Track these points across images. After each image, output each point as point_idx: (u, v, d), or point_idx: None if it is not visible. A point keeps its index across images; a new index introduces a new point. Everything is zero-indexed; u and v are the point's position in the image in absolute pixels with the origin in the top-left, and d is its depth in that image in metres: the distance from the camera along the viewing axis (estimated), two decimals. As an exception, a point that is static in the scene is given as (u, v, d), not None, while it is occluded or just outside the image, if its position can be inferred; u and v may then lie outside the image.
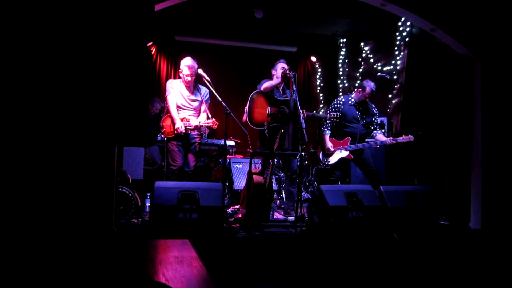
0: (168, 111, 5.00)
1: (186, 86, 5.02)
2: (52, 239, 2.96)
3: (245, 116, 4.98)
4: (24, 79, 2.90)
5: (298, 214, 4.33)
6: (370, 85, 5.23)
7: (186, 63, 4.94)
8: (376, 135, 5.35)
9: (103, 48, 3.00)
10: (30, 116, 2.94)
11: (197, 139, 5.09)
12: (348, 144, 5.22)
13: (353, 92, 5.46)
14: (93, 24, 3.00)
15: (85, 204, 3.31)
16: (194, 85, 5.07)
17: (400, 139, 5.07)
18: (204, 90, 5.09)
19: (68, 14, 2.96)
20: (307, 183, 6.97)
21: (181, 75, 5.00)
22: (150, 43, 7.66)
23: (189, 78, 4.94)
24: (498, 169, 4.59)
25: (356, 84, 8.07)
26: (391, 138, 5.15)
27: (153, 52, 8.02)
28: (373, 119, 5.39)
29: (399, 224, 4.20)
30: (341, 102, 5.34)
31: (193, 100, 5.03)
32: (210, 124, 4.84)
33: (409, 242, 3.85)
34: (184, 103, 4.99)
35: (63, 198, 3.20)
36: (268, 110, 4.89)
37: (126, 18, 3.01)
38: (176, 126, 4.85)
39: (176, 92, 4.98)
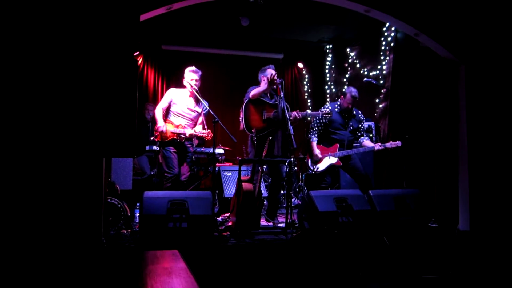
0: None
1: (189, 95, 5.02)
2: (40, 250, 2.92)
3: (242, 125, 4.92)
4: (9, 88, 2.88)
5: (288, 221, 4.33)
6: (351, 91, 5.26)
7: (192, 70, 4.99)
8: (363, 141, 5.37)
9: (89, 59, 2.99)
10: (15, 127, 2.91)
11: (191, 149, 5.09)
12: (337, 150, 5.25)
13: (339, 100, 5.49)
14: (78, 35, 2.99)
15: (73, 215, 3.28)
16: (196, 96, 5.04)
17: (388, 145, 5.09)
18: (205, 103, 5.06)
19: (54, 25, 2.95)
20: (297, 189, 7.00)
21: (188, 82, 4.96)
22: (137, 53, 7.65)
23: (198, 84, 4.95)
24: (484, 171, 4.65)
25: (343, 89, 8.14)
26: (379, 144, 5.17)
27: (140, 61, 8.01)
28: (360, 125, 5.43)
29: (389, 228, 4.23)
30: (327, 110, 5.36)
31: (192, 110, 5.03)
32: (204, 134, 4.83)
33: (399, 246, 3.87)
34: (183, 110, 4.98)
35: (51, 210, 3.16)
36: (264, 115, 4.88)
37: (112, 29, 3.00)
38: (158, 125, 4.85)
39: (176, 101, 4.97)
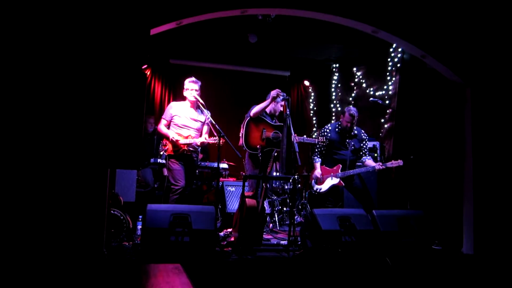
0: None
1: (190, 106, 5.03)
2: (41, 261, 2.91)
3: (241, 141, 5.00)
4: (18, 98, 2.91)
5: (291, 238, 4.31)
6: (349, 109, 5.25)
7: (190, 80, 5.00)
8: (365, 161, 5.34)
9: (99, 72, 3.03)
10: (21, 137, 2.93)
11: (197, 162, 5.09)
12: (339, 171, 5.23)
13: (340, 119, 5.49)
14: (90, 48, 3.03)
15: (76, 226, 3.28)
16: (197, 105, 5.05)
17: (389, 164, 5.03)
18: (207, 112, 5.04)
19: (66, 39, 2.99)
20: (300, 207, 6.96)
21: (189, 93, 4.97)
22: (145, 66, 7.73)
23: (198, 94, 4.95)
24: (490, 194, 4.62)
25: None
26: (380, 163, 5.11)
27: (148, 75, 8.07)
28: (362, 145, 5.40)
29: (392, 249, 4.19)
30: (328, 130, 5.38)
31: (196, 120, 5.03)
32: (216, 141, 4.77)
33: (401, 267, 3.83)
34: (187, 122, 4.97)
35: (54, 219, 3.17)
36: (263, 134, 4.93)
37: (122, 42, 3.05)
38: (171, 137, 4.81)
39: (178, 113, 4.96)
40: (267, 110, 5.25)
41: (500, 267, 4.16)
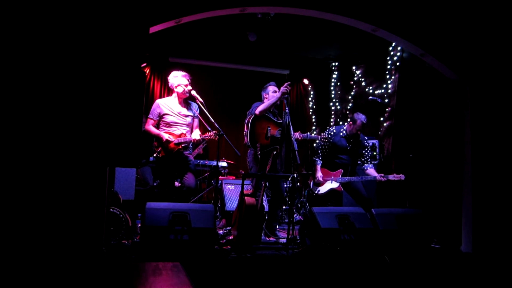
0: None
1: (178, 102, 4.90)
2: (40, 259, 2.91)
3: (246, 139, 4.91)
4: (16, 97, 2.91)
5: (289, 236, 4.31)
6: (360, 118, 5.21)
7: (182, 74, 4.84)
8: (367, 169, 5.31)
9: (98, 70, 3.02)
10: (20, 136, 2.93)
11: (191, 157, 4.95)
12: (340, 176, 5.22)
13: (345, 124, 5.45)
14: (89, 46, 3.03)
15: (75, 224, 3.28)
16: (185, 100, 4.94)
17: (391, 177, 4.99)
18: (194, 105, 4.96)
19: (65, 37, 2.99)
20: (299, 205, 6.97)
21: (181, 89, 4.84)
22: (144, 64, 7.71)
23: (190, 87, 4.82)
24: (488, 192, 4.63)
25: (348, 107, 8.17)
26: (381, 175, 5.07)
27: (147, 73, 8.07)
28: (363, 151, 5.39)
29: (391, 247, 4.20)
30: (332, 133, 5.35)
31: (186, 116, 4.90)
32: (211, 136, 4.68)
33: (400, 265, 3.84)
34: (176, 119, 4.86)
35: (53, 218, 3.17)
36: (268, 132, 4.88)
37: (121, 41, 3.04)
38: (165, 139, 4.70)
39: (167, 111, 4.84)
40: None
41: (498, 265, 4.18)
